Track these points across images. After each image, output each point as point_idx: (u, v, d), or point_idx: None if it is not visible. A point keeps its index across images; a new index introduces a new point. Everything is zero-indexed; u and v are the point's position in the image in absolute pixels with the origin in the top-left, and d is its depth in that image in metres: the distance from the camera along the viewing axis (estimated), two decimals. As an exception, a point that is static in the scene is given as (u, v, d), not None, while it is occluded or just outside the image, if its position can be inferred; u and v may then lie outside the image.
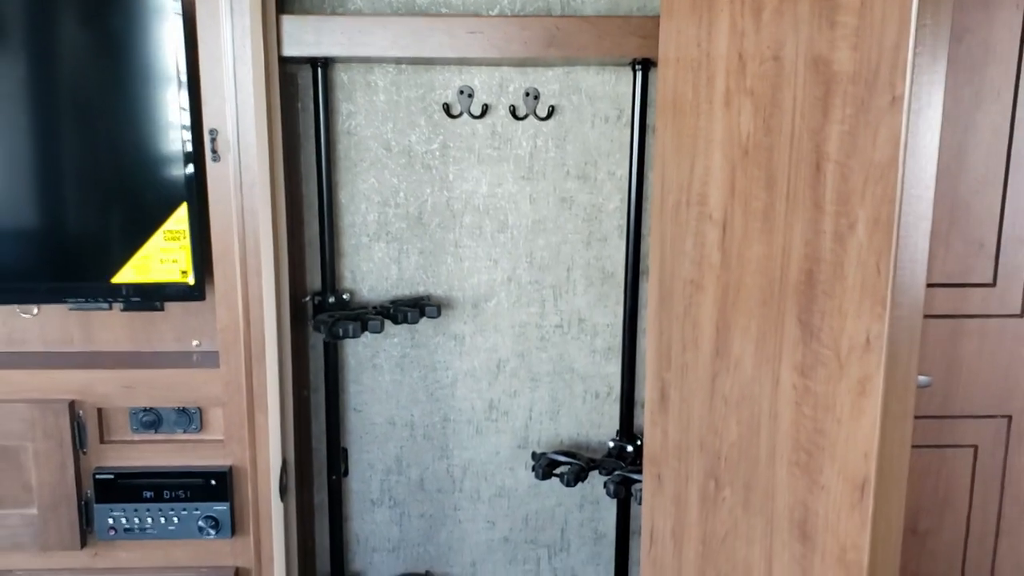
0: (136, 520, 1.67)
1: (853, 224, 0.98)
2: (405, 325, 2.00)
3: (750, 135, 1.20)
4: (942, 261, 1.39)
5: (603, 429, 2.08)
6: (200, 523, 1.67)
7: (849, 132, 0.98)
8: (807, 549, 1.09)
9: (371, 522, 2.12)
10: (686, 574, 1.45)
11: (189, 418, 1.67)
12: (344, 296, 1.95)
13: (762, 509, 1.20)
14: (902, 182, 0.89)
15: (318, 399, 2.03)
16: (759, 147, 1.18)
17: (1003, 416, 1.45)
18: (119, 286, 1.63)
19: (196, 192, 1.60)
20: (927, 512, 1.46)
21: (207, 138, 1.56)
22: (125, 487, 1.67)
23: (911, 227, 0.91)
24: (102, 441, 1.67)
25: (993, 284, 1.41)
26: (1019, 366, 1.42)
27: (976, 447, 1.45)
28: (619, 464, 1.96)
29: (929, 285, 1.39)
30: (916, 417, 1.35)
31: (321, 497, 2.09)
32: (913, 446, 1.44)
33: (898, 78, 0.89)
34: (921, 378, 1.29)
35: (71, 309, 1.75)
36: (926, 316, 1.39)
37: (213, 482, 1.66)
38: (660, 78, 1.51)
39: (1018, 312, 1.42)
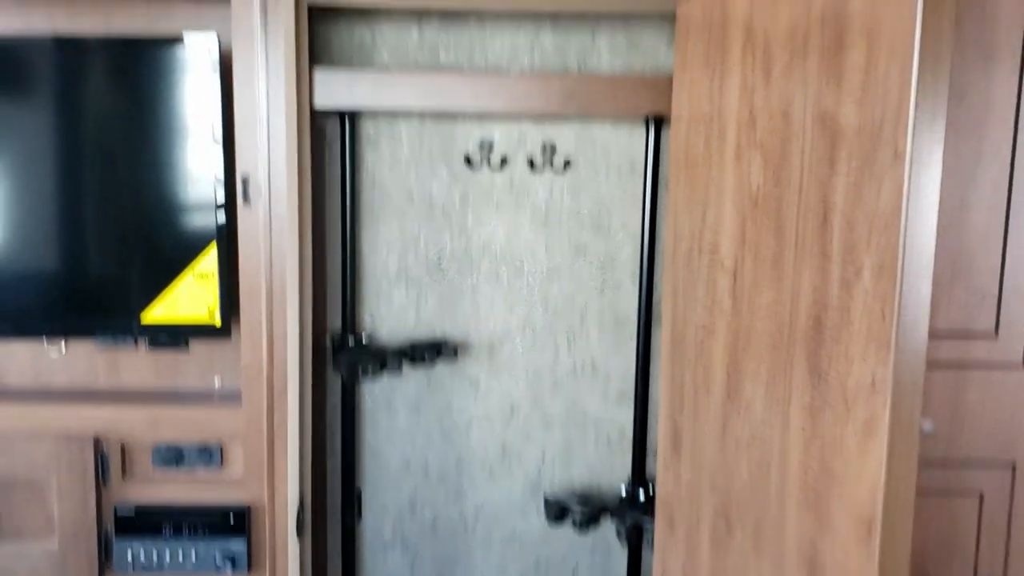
0: (155, 555, 1.70)
1: (859, 271, 1.02)
2: (421, 368, 2.05)
3: (760, 187, 1.25)
4: (946, 311, 1.43)
5: (615, 474, 2.11)
6: (218, 559, 1.70)
7: (855, 184, 1.03)
8: (816, 588, 1.12)
9: (383, 564, 2.14)
10: (697, 616, 1.48)
11: (210, 454, 1.71)
12: (362, 339, 2.00)
13: (772, 549, 1.23)
14: (905, 232, 0.94)
15: (334, 439, 2.07)
16: (768, 198, 1.23)
17: (1007, 463, 1.48)
18: (148, 326, 1.69)
19: (226, 236, 1.66)
20: (934, 559, 1.48)
21: (239, 184, 1.63)
22: (145, 522, 1.70)
23: (914, 275, 0.95)
24: (124, 476, 1.71)
25: (995, 334, 1.45)
26: (1022, 414, 1.46)
27: (982, 494, 1.48)
28: (631, 510, 1.98)
29: (933, 335, 1.43)
30: (921, 464, 1.38)
31: (334, 539, 2.11)
32: (919, 494, 1.46)
33: (900, 134, 0.94)
34: (925, 424, 1.32)
35: (98, 348, 1.80)
36: (930, 365, 1.42)
37: (232, 518, 1.70)
38: (673, 132, 1.57)
39: (1020, 361, 1.45)
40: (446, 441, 2.09)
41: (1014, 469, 1.47)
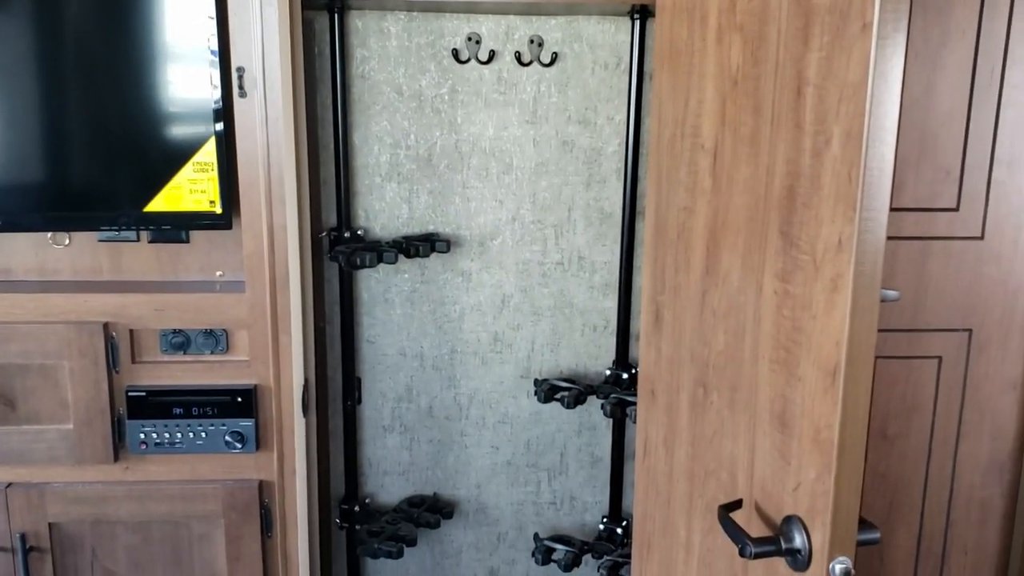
0: (166, 435, 1.80)
1: (829, 140, 1.10)
2: (415, 261, 2.13)
3: (739, 67, 1.32)
4: (912, 188, 1.52)
5: (600, 360, 2.22)
6: (227, 438, 1.80)
7: (826, 58, 1.10)
8: (785, 436, 1.23)
9: (382, 447, 2.26)
10: (677, 476, 1.59)
11: (216, 340, 1.80)
12: (358, 232, 2.08)
13: (746, 407, 1.33)
14: (871, 98, 1.02)
15: (333, 331, 2.16)
16: (747, 78, 1.30)
17: (965, 330, 1.59)
18: (151, 215, 1.75)
19: (224, 128, 1.71)
20: (895, 418, 1.60)
21: (235, 76, 1.67)
22: (156, 404, 1.80)
23: (878, 139, 1.03)
24: (134, 361, 1.79)
25: (957, 209, 1.54)
26: (980, 284, 1.55)
27: (940, 358, 1.59)
28: (615, 389, 2.10)
29: (899, 209, 1.52)
30: (887, 330, 1.48)
31: (336, 423, 2.22)
32: (883, 357, 1.57)
33: (868, 6, 1.01)
34: (890, 292, 1.42)
35: (100, 241, 1.86)
36: (896, 238, 1.52)
37: (239, 399, 1.79)
38: (658, 22, 1.62)
39: (979, 235, 1.55)
40: (440, 331, 2.19)
41: (971, 335, 1.58)
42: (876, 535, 1.19)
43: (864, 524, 1.16)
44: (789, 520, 1.19)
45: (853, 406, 1.10)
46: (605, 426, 2.25)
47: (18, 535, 1.81)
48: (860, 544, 1.16)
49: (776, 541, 1.20)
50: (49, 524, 1.83)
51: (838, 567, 1.12)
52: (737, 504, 1.35)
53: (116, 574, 1.88)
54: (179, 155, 1.73)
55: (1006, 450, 1.65)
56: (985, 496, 1.68)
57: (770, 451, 1.27)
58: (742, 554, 1.20)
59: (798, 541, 1.17)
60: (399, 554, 2.07)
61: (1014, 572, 1.74)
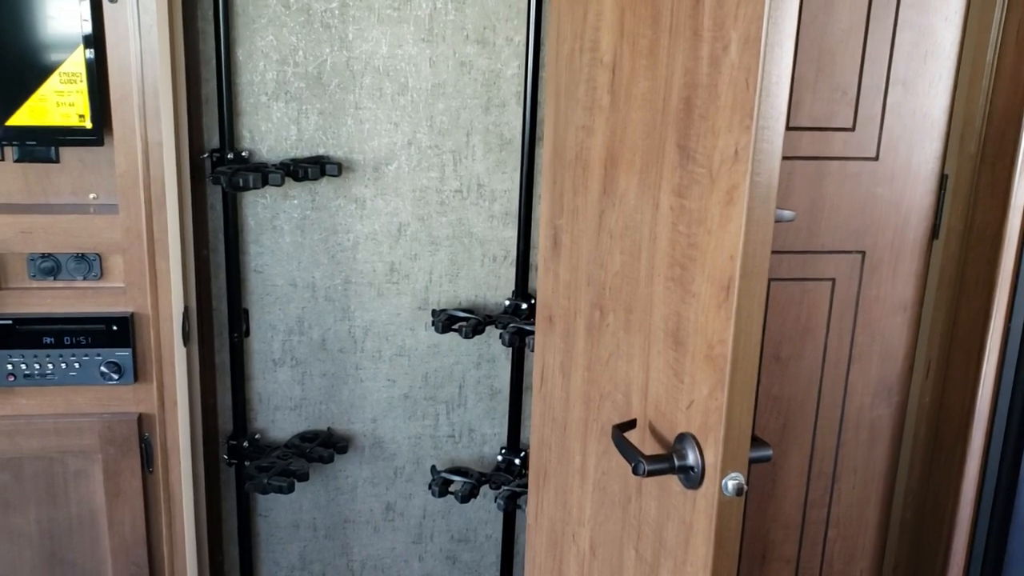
0: (36, 366, 1.69)
1: (727, 47, 1.07)
2: (305, 187, 2.03)
3: (639, -24, 1.27)
4: (809, 106, 1.51)
5: (499, 291, 2.18)
6: (102, 369, 1.70)
7: (726, -38, 1.06)
8: (679, 353, 1.21)
9: (273, 381, 2.18)
10: (573, 400, 1.57)
11: (89, 265, 1.68)
12: (243, 155, 1.97)
13: (641, 327, 1.32)
14: (769, 2, 0.99)
15: (218, 259, 2.05)
16: (647, -13, 1.25)
17: (858, 252, 1.61)
18: (13, 128, 1.61)
19: (93, 34, 1.58)
20: (789, 340, 1.62)
21: (102, -23, 1.54)
22: (24, 333, 1.68)
23: (776, 44, 1.00)
24: (-1, 287, 1.67)
25: (853, 129, 1.54)
26: (874, 205, 1.57)
27: (834, 280, 1.61)
28: (514, 319, 2.07)
29: (796, 128, 1.52)
30: (781, 252, 1.49)
31: (222, 357, 2.13)
32: (777, 279, 1.58)
33: (769, -96, 0.97)
34: (786, 213, 1.41)
35: (-41, 161, 1.72)
36: (792, 158, 1.51)
37: (115, 328, 1.69)
38: (557, -67, 1.56)
39: (874, 155, 1.56)
40: (333, 261, 2.11)
41: (864, 257, 1.60)
42: (768, 452, 1.19)
43: (756, 442, 1.16)
44: (682, 438, 1.19)
45: (746, 321, 1.09)
46: (504, 358, 2.22)
47: None
48: (753, 461, 1.16)
49: (669, 459, 1.20)
50: (-94, 463, 1.71)
51: (731, 483, 1.12)
52: (631, 424, 1.34)
53: (-16, 515, 1.77)
54: (44, 64, 1.59)
55: (895, 371, 1.69)
56: (874, 417, 1.72)
57: (664, 370, 1.26)
58: (635, 472, 1.19)
59: (691, 458, 1.17)
60: (290, 489, 2.01)
61: (900, 490, 1.81)
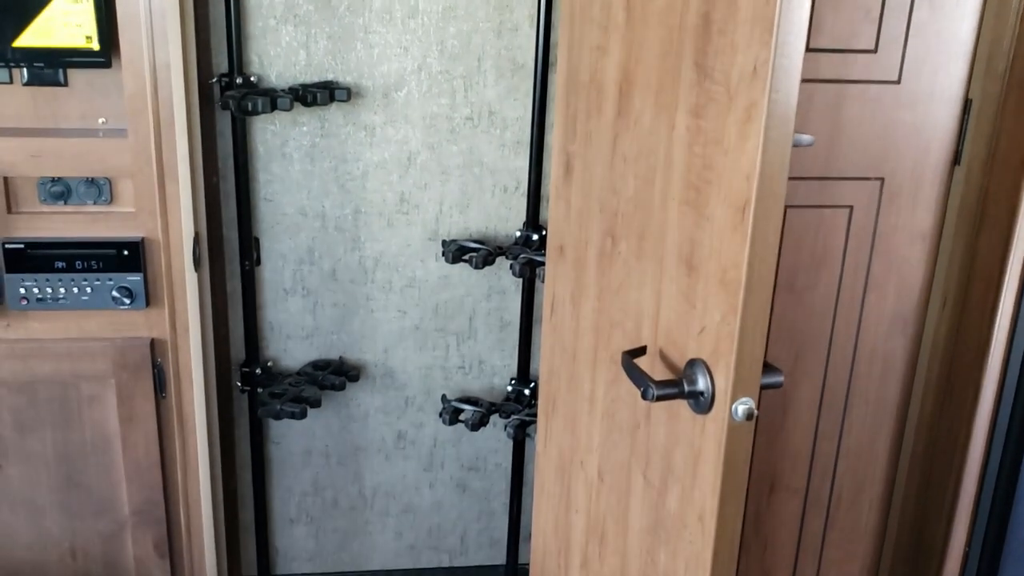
0: (48, 290, 1.69)
1: (748, -42, 1.03)
2: (314, 113, 2.00)
3: None
4: (830, 26, 1.47)
5: (510, 223, 2.16)
6: (114, 293, 1.70)
7: None
8: (692, 279, 1.20)
9: (284, 311, 2.18)
10: (583, 330, 1.57)
11: (99, 189, 1.67)
12: (252, 80, 1.94)
13: (653, 253, 1.30)
14: (793, -91, 0.95)
15: (227, 187, 2.04)
16: (666, -102, 1.21)
17: (877, 178, 1.57)
18: (20, 50, 1.59)
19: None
20: (804, 269, 1.60)
21: None
22: (36, 257, 1.68)
23: (799, -46, 0.96)
24: (9, 211, 1.66)
25: (875, 50, 1.50)
26: (894, 131, 1.54)
27: (851, 207, 1.58)
28: (525, 250, 2.05)
29: (816, 50, 1.47)
30: (798, 178, 1.46)
31: (234, 285, 2.13)
32: (793, 206, 1.55)
33: None
34: (804, 137, 1.38)
35: (-33, 85, 1.69)
36: (812, 80, 1.47)
37: (125, 252, 1.68)
38: None
39: (896, 79, 1.52)
40: (342, 190, 2.09)
41: (883, 184, 1.57)
42: (779, 378, 1.18)
43: (768, 368, 1.15)
44: (693, 363, 1.18)
45: (761, 244, 1.07)
46: (515, 290, 2.21)
47: None
48: (764, 387, 1.15)
49: (679, 384, 1.19)
50: (-77, 385, 1.72)
51: (741, 408, 1.11)
52: (641, 351, 1.33)
53: (1, 436, 1.79)
54: (50, -14, 1.56)
55: (911, 303, 1.67)
56: (888, 349, 1.71)
57: (676, 296, 1.24)
58: (644, 396, 1.18)
59: (701, 384, 1.16)
60: (302, 415, 2.02)
61: (911, 423, 1.80)
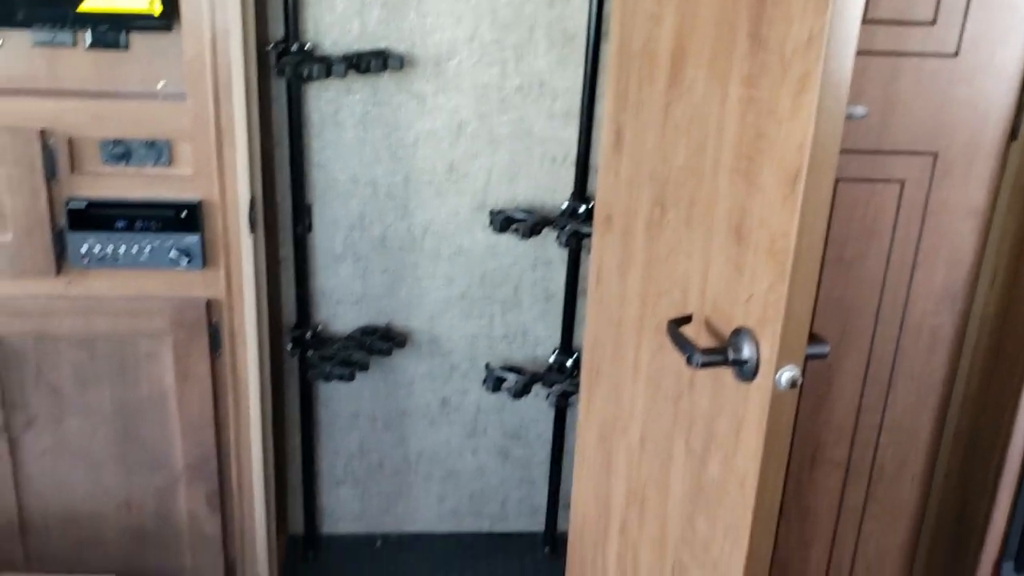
0: (109, 248, 1.74)
1: (806, -73, 1.03)
2: (367, 82, 2.03)
3: None
4: (888, -3, 1.46)
5: (558, 193, 2.17)
6: (172, 253, 1.75)
7: None
8: (741, 248, 1.21)
9: (334, 276, 2.22)
10: (629, 299, 1.58)
11: (159, 151, 1.72)
12: (307, 47, 1.97)
13: (703, 222, 1.31)
14: None
15: (281, 153, 2.08)
16: None
17: (930, 153, 1.56)
18: (84, 14, 1.64)
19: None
20: (854, 242, 1.59)
21: None
22: (97, 216, 1.73)
23: (858, -77, 0.96)
24: (73, 171, 1.71)
25: (933, 23, 1.48)
26: (949, 105, 1.52)
27: (903, 182, 1.57)
28: (571, 221, 2.07)
29: (872, 21, 1.46)
30: (850, 151, 1.45)
31: (286, 251, 2.17)
32: (844, 179, 1.55)
33: None
34: (858, 109, 1.38)
35: (35, 46, 1.74)
36: (867, 52, 1.46)
37: (184, 214, 1.73)
38: None
39: (953, 52, 1.50)
40: (393, 158, 2.12)
41: (936, 158, 1.56)
42: (825, 348, 1.19)
43: (814, 338, 1.16)
44: (738, 332, 1.19)
45: (811, 214, 1.07)
46: (560, 261, 2.23)
47: (-42, 349, 1.78)
48: (809, 357, 1.16)
49: (724, 352, 1.20)
50: (-9, 338, 1.79)
51: (785, 375, 1.12)
52: (687, 320, 1.34)
53: (62, 390, 1.86)
54: (112, -51, 1.60)
55: (961, 278, 1.66)
56: (936, 324, 1.70)
57: (724, 265, 1.25)
58: (689, 362, 1.20)
59: (746, 352, 1.17)
60: (351, 377, 2.07)
61: (957, 400, 1.79)
